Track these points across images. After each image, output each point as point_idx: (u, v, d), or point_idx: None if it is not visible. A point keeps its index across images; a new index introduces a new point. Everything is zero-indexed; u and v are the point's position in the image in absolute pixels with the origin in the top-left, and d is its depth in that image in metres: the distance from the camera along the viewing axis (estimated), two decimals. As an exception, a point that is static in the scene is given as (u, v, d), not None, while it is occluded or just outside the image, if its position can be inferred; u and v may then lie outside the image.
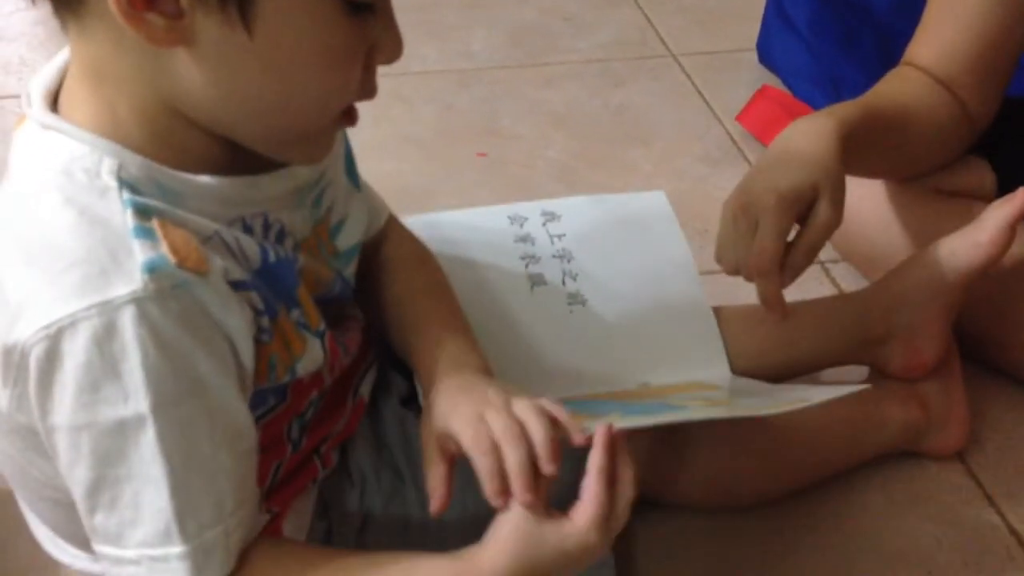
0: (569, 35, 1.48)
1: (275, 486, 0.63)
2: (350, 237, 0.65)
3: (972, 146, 0.93)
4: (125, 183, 0.50)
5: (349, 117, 0.56)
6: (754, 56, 1.39)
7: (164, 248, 0.49)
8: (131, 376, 0.48)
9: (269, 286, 0.55)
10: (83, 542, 0.58)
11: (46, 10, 0.52)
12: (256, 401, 0.57)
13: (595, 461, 0.55)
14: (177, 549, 0.51)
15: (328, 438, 0.66)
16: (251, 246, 0.55)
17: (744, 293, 0.97)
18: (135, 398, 0.48)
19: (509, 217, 0.84)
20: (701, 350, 0.80)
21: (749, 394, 0.77)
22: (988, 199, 0.85)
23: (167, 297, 0.48)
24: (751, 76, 1.35)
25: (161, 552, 0.51)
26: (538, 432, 0.55)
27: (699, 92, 1.36)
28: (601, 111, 1.32)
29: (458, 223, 0.84)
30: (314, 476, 0.66)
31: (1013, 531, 0.80)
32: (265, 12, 0.48)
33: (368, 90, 0.55)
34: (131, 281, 0.48)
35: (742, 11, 1.48)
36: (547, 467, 0.54)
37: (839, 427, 0.83)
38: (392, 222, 0.73)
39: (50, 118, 0.52)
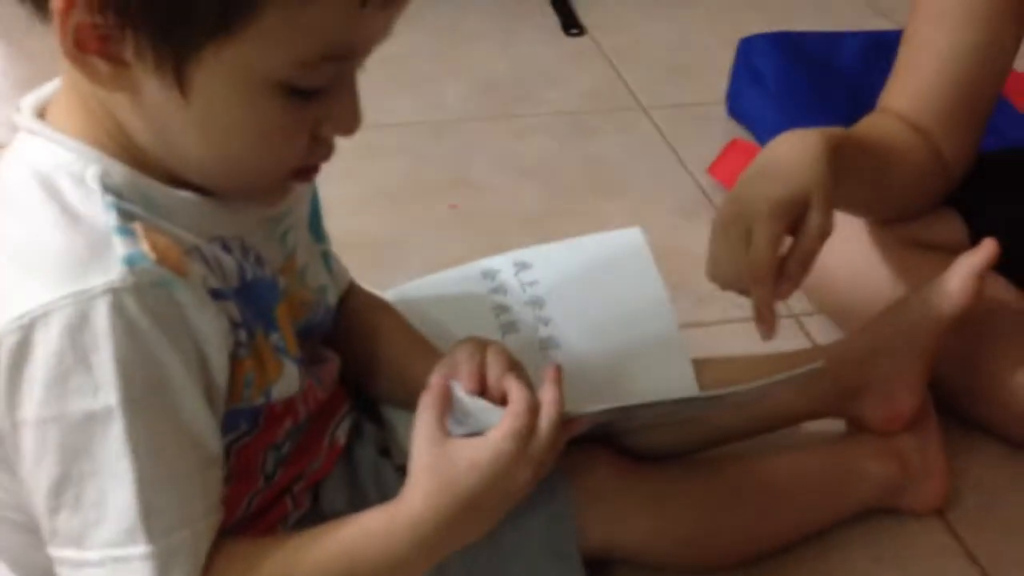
0: (540, 87, 1.49)
1: (245, 520, 0.62)
2: (316, 279, 0.66)
3: (946, 199, 0.93)
4: (109, 189, 0.51)
5: (304, 174, 0.56)
6: (723, 109, 1.40)
7: (145, 246, 0.49)
8: (102, 368, 0.48)
9: (248, 304, 0.56)
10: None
11: (25, 49, 0.52)
12: (228, 424, 0.56)
13: (515, 389, 0.57)
14: (141, 549, 0.49)
15: (302, 477, 0.65)
16: (230, 264, 0.55)
17: (721, 346, 0.96)
18: (105, 390, 0.48)
19: (482, 272, 0.84)
20: (672, 381, 0.79)
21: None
22: (961, 252, 0.85)
23: (144, 292, 0.48)
24: (721, 129, 1.36)
25: (125, 552, 0.50)
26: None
27: (669, 145, 1.36)
28: (572, 163, 1.32)
29: (429, 288, 0.83)
30: (284, 515, 0.65)
31: (997, 590, 0.79)
32: (200, 83, 0.49)
33: (322, 154, 0.55)
34: (108, 272, 0.48)
35: (711, 64, 1.49)
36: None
37: (816, 482, 0.82)
38: (352, 282, 0.75)
39: (37, 125, 0.53)
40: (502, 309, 0.81)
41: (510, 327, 0.80)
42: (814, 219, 0.72)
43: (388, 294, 0.80)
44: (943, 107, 0.88)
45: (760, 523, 0.79)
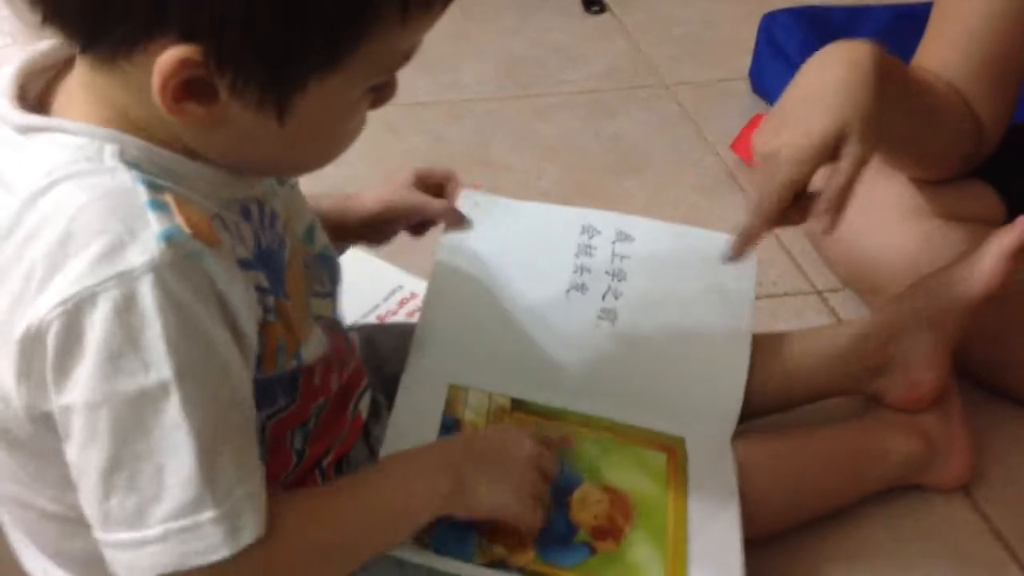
0: (560, 66, 1.48)
1: None
2: (301, 220, 0.66)
3: (979, 171, 0.91)
4: (130, 164, 0.51)
5: None
6: (746, 85, 1.39)
7: (179, 219, 0.49)
8: (152, 345, 0.48)
9: (266, 271, 0.56)
10: (93, 570, 0.57)
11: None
12: (267, 398, 0.57)
13: None
14: (209, 514, 0.50)
15: (329, 451, 0.66)
16: (247, 231, 0.56)
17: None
18: (157, 367, 0.48)
19: (583, 226, 0.82)
20: (711, 411, 0.77)
21: (701, 480, 0.73)
22: (997, 224, 0.83)
23: (182, 266, 0.49)
24: (744, 105, 1.35)
25: (190, 521, 0.49)
26: None
27: (692, 121, 1.35)
28: (593, 141, 1.31)
29: (530, 215, 0.83)
30: None
31: (1023, 567, 0.79)
32: (299, 109, 0.51)
33: (363, 124, 0.57)
34: (148, 250, 0.48)
35: (733, 40, 1.48)
36: None
37: (840, 460, 0.82)
38: None
39: (37, 119, 0.52)
40: (583, 269, 0.80)
41: (580, 287, 0.80)
42: (850, 151, 0.70)
43: (473, 195, 0.83)
44: (973, 70, 0.86)
45: (782, 499, 0.78)
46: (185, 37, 0.47)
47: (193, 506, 0.49)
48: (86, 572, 0.59)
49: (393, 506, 0.60)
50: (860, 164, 0.70)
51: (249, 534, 0.51)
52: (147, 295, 0.47)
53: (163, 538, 0.49)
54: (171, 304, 0.48)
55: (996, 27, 0.85)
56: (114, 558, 0.51)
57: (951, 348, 0.82)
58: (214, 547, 0.50)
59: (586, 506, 0.69)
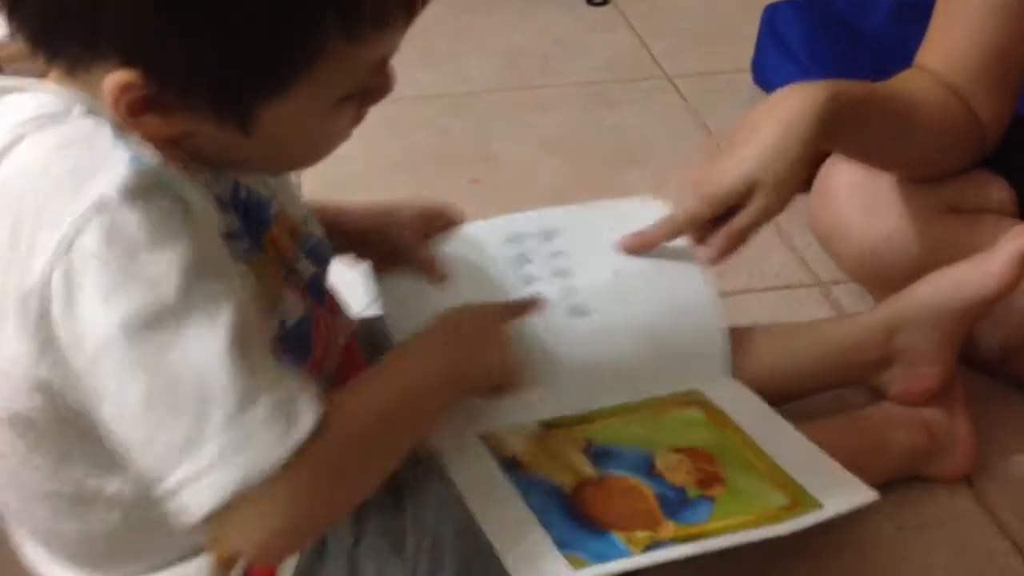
0: (562, 58, 1.48)
1: None
2: (296, 211, 0.65)
3: (987, 161, 0.91)
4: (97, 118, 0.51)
5: None
6: (749, 77, 1.38)
7: (148, 151, 0.49)
8: (151, 262, 0.47)
9: (241, 219, 0.56)
10: (86, 554, 0.58)
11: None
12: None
13: None
14: (261, 409, 0.47)
15: None
16: (224, 181, 0.56)
17: (744, 315, 0.96)
18: (165, 280, 0.47)
19: (507, 238, 0.82)
20: (704, 357, 0.78)
21: (739, 410, 0.75)
22: (1008, 215, 0.83)
23: (154, 190, 0.48)
24: (746, 97, 1.35)
25: (247, 417, 0.46)
26: None
27: (694, 114, 1.35)
28: (595, 134, 1.31)
29: (453, 241, 0.82)
30: None
31: (1025, 557, 0.79)
32: (263, 121, 0.51)
33: (358, 124, 0.57)
34: (119, 174, 0.47)
35: (736, 32, 1.47)
36: None
37: (842, 452, 0.81)
38: None
39: (5, 81, 0.53)
40: (529, 279, 0.80)
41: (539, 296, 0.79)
42: (756, 202, 0.75)
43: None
44: (975, 66, 0.86)
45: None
46: (125, 63, 0.48)
47: (239, 406, 0.46)
48: (77, 556, 0.59)
49: (416, 378, 0.58)
50: (762, 215, 0.76)
51: (308, 419, 0.48)
52: (128, 216, 0.47)
53: (220, 453, 0.46)
54: (155, 217, 0.47)
55: (1002, 20, 0.85)
56: (195, 494, 0.47)
57: (958, 345, 0.82)
58: (279, 437, 0.47)
59: (674, 468, 0.69)
